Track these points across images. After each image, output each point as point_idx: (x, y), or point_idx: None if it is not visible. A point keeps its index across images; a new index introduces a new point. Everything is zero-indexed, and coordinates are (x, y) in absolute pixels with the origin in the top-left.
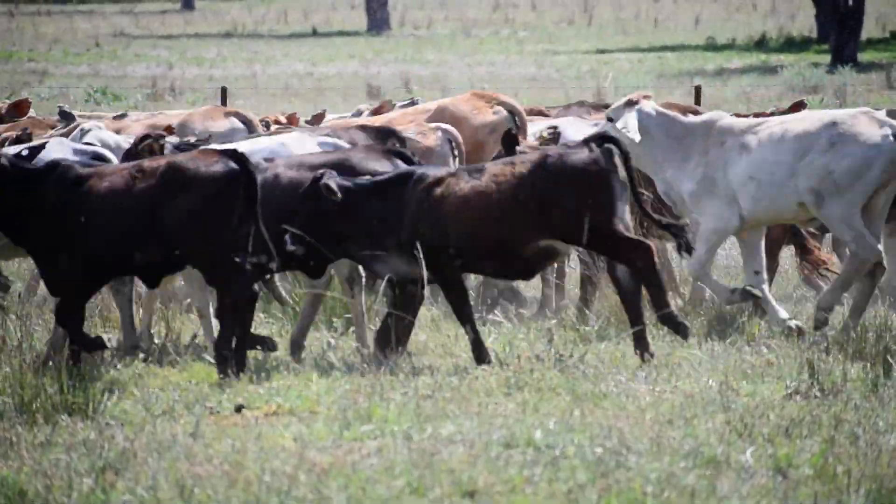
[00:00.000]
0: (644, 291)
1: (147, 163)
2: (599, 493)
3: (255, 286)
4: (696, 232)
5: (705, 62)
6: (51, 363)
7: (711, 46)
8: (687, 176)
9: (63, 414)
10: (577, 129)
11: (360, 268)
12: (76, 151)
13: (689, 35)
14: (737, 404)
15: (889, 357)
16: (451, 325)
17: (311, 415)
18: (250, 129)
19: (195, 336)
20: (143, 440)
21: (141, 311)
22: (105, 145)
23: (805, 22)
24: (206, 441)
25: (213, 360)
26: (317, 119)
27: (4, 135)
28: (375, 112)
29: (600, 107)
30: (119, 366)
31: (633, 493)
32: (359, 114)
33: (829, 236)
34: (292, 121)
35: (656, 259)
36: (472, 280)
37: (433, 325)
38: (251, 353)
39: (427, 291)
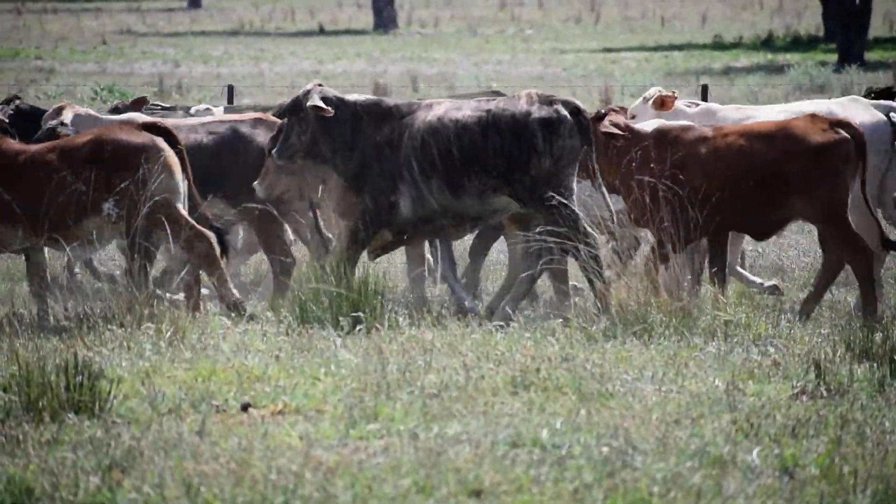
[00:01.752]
0: None
1: None
2: (605, 493)
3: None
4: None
5: (712, 61)
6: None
7: (718, 45)
8: None
9: (69, 412)
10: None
11: None
12: None
13: (696, 34)
14: (743, 404)
15: (895, 357)
16: (457, 323)
17: (318, 413)
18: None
19: (202, 334)
20: (150, 438)
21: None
22: None
23: (812, 21)
24: (213, 439)
25: (217, 357)
26: None
27: None
28: None
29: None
30: (125, 363)
31: (640, 493)
32: None
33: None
34: None
35: None
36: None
37: (439, 323)
38: (258, 353)
39: (437, 289)
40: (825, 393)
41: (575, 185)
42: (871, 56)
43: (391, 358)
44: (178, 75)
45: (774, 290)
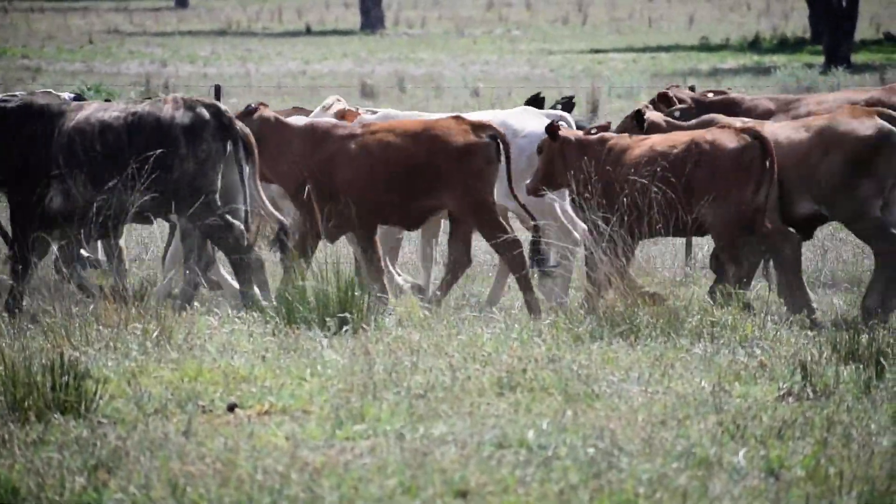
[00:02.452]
0: None
1: None
2: (591, 494)
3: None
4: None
5: (699, 62)
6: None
7: (705, 47)
8: None
9: (55, 412)
10: None
11: None
12: None
13: (683, 35)
14: (729, 405)
15: (881, 359)
16: (443, 324)
17: (304, 414)
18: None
19: (188, 334)
20: (136, 439)
21: None
22: None
23: (799, 23)
24: (199, 440)
25: (204, 357)
26: None
27: None
28: None
29: None
30: (111, 363)
31: (625, 494)
32: None
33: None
34: None
35: None
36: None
37: (425, 324)
38: (244, 354)
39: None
40: (811, 394)
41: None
42: (857, 58)
43: (378, 358)
44: (165, 75)
45: (419, 290)
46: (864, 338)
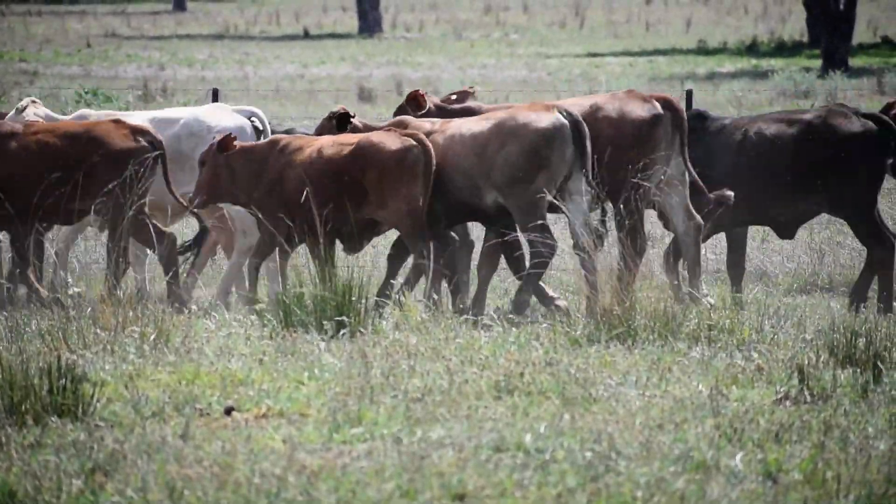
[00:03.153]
0: None
1: None
2: (589, 498)
3: None
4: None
5: (696, 66)
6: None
7: (703, 50)
8: None
9: (53, 415)
10: None
11: None
12: None
13: (681, 39)
14: (727, 409)
15: (879, 362)
16: (441, 328)
17: (301, 417)
18: None
19: (185, 337)
20: (133, 442)
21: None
22: None
23: (796, 26)
24: (196, 443)
25: (202, 360)
26: None
27: None
28: None
29: None
30: (109, 367)
31: (623, 498)
32: None
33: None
34: None
35: None
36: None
37: (423, 327)
38: (242, 357)
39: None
40: (808, 398)
41: None
42: (855, 61)
43: (375, 362)
44: (162, 78)
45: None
46: (862, 341)
